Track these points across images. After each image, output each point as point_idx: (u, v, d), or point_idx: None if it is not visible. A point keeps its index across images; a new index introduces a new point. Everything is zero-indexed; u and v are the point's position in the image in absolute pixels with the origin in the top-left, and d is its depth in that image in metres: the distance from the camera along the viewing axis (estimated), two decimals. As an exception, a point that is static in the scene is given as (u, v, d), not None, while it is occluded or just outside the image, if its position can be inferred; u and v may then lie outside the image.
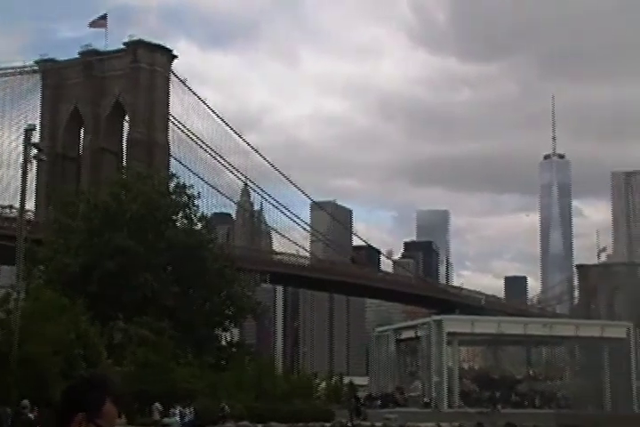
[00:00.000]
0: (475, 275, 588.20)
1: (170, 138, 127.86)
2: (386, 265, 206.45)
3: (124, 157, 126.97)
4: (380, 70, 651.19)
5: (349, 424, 52.91)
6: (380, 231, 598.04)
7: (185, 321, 59.18)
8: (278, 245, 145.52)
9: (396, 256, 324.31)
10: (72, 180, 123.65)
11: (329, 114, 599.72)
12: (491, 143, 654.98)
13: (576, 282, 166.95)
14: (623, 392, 75.64)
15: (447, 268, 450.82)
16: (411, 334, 78.71)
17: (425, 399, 69.53)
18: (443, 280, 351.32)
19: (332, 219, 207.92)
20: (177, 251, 62.47)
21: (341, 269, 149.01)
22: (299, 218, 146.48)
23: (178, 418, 44.08)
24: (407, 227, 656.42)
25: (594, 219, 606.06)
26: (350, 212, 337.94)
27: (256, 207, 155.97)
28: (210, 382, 51.83)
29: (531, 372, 79.51)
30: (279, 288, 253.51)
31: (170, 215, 66.28)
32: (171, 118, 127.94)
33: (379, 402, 69.92)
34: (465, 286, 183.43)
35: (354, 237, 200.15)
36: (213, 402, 48.52)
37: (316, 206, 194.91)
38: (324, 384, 78.82)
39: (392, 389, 76.54)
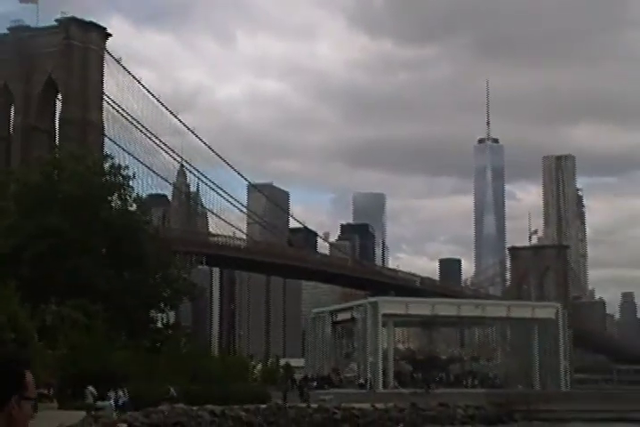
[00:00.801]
0: (410, 257, 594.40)
1: (104, 117, 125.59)
2: (322, 247, 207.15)
3: (57, 136, 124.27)
4: (317, 52, 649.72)
5: (285, 405, 53.15)
6: (317, 214, 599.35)
7: (120, 304, 58.51)
8: (215, 226, 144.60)
9: (333, 239, 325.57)
10: (2, 160, 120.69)
11: (266, 95, 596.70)
12: (427, 126, 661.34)
13: (508, 264, 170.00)
14: (551, 371, 77.70)
15: (383, 250, 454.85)
16: (346, 315, 79.32)
17: (360, 380, 70.27)
18: (379, 262, 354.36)
19: (269, 201, 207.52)
20: (112, 233, 61.60)
21: (278, 252, 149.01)
22: (235, 200, 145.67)
23: (112, 401, 43.70)
24: (344, 209, 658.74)
25: (526, 202, 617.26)
26: (287, 194, 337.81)
27: (192, 189, 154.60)
28: (144, 365, 51.47)
29: (464, 352, 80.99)
30: (215, 270, 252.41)
31: (104, 196, 65.26)
32: (105, 97, 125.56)
33: (315, 383, 70.41)
34: (400, 269, 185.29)
35: (291, 220, 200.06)
36: (151, 385, 48.20)
37: (253, 188, 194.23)
38: (260, 366, 79.02)
39: (328, 370, 77.15)
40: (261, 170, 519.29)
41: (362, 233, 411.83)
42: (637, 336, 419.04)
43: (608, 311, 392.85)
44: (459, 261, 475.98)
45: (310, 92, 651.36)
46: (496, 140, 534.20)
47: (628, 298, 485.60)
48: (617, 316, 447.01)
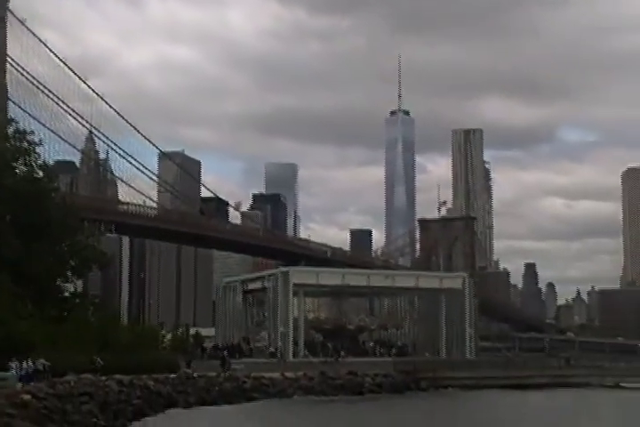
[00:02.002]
0: (322, 227, 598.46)
1: (7, 81, 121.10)
2: (234, 217, 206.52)
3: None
4: (229, 19, 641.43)
5: (192, 374, 52.93)
6: (229, 183, 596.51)
7: (26, 273, 56.96)
8: (124, 194, 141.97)
9: (245, 208, 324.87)
10: None
11: (177, 62, 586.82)
12: (339, 97, 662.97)
13: (418, 235, 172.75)
14: (457, 339, 79.74)
15: (295, 220, 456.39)
16: (258, 285, 79.43)
17: (271, 349, 70.63)
18: (290, 233, 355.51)
19: (181, 169, 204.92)
20: (17, 200, 59.70)
21: (189, 221, 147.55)
22: (146, 168, 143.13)
23: (14, 372, 42.67)
24: (256, 179, 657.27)
25: (436, 174, 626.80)
26: (199, 163, 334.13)
27: (102, 156, 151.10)
28: (51, 335, 50.42)
29: (373, 321, 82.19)
30: (125, 239, 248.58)
31: (9, 162, 63.08)
32: (8, 60, 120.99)
33: (225, 352, 70.43)
34: (312, 239, 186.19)
35: (202, 189, 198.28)
36: (60, 355, 47.25)
37: (165, 157, 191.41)
38: (169, 335, 78.50)
39: (238, 339, 77.23)
40: (173, 138, 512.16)
41: (273, 203, 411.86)
42: (538, 306, 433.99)
43: (512, 281, 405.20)
44: (369, 232, 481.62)
45: (222, 60, 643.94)
46: (407, 113, 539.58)
47: (530, 268, 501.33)
48: (520, 286, 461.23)
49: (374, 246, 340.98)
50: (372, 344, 78.67)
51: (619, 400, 61.20)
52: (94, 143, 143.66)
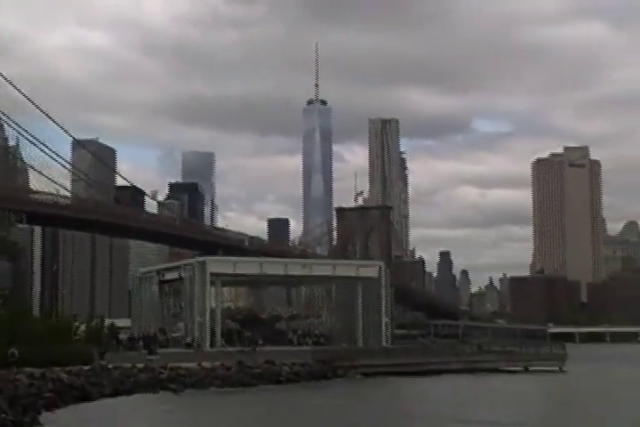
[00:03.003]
0: (239, 216, 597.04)
1: None
2: (150, 206, 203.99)
3: None
4: (145, 4, 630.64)
5: (107, 366, 52.13)
6: (145, 171, 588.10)
7: None
8: (36, 183, 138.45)
9: (161, 197, 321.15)
10: None
11: (91, 47, 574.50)
12: (256, 85, 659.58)
13: (335, 224, 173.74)
14: (374, 328, 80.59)
15: (212, 209, 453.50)
16: (174, 275, 78.56)
17: (187, 340, 70.05)
18: (208, 222, 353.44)
19: (95, 157, 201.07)
20: None
21: (104, 210, 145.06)
22: (58, 156, 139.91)
23: None
24: (172, 168, 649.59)
25: (353, 163, 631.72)
26: (114, 151, 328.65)
27: (11, 143, 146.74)
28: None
29: (290, 310, 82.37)
30: (37, 229, 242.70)
31: None
32: None
33: (141, 343, 69.53)
34: (229, 228, 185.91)
35: (117, 177, 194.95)
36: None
37: (78, 144, 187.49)
38: (84, 327, 77.00)
39: (155, 330, 76.33)
40: (87, 125, 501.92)
41: (191, 192, 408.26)
42: (453, 293, 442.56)
43: (427, 270, 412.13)
44: (287, 221, 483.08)
45: (137, 46, 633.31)
46: (324, 102, 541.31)
47: (444, 257, 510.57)
48: (435, 274, 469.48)
49: (292, 235, 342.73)
50: (293, 334, 78.77)
51: (518, 385, 62.97)
52: (3, 130, 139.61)
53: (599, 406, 45.21)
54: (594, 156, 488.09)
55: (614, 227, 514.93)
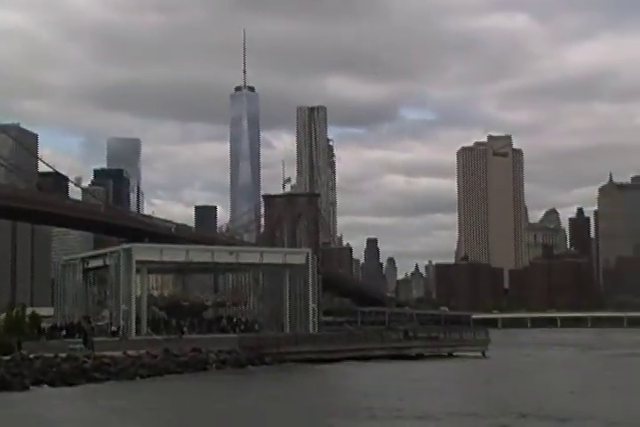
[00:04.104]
0: (166, 203, 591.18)
1: None
2: (74, 193, 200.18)
3: None
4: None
5: (27, 356, 51.03)
6: (69, 158, 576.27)
7: None
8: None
9: (86, 184, 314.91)
10: None
11: (10, 28, 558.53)
12: (183, 71, 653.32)
13: (262, 211, 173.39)
14: (301, 314, 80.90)
15: (138, 196, 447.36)
16: (99, 262, 77.40)
17: (112, 328, 69.16)
18: (134, 209, 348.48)
19: (16, 143, 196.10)
20: None
21: (26, 196, 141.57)
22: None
23: None
24: (97, 154, 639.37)
25: (281, 150, 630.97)
26: (36, 136, 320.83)
27: None
28: None
29: (217, 298, 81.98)
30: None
31: None
32: None
33: (64, 332, 68.32)
34: (156, 215, 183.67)
35: (40, 163, 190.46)
36: None
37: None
38: (3, 316, 75.19)
39: (79, 318, 75.10)
40: (7, 110, 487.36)
41: (116, 178, 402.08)
42: (379, 280, 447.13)
43: (354, 257, 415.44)
44: (214, 208, 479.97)
45: (59, 28, 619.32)
46: (252, 89, 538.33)
47: (372, 244, 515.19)
48: (362, 261, 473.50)
49: (219, 223, 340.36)
50: (220, 321, 78.41)
51: (437, 370, 64.11)
52: None
53: (515, 389, 46.40)
54: (517, 145, 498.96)
55: (535, 214, 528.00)
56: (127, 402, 39.30)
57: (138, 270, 72.06)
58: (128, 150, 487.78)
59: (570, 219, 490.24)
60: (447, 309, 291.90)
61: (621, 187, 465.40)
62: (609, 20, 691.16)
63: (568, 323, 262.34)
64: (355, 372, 59.88)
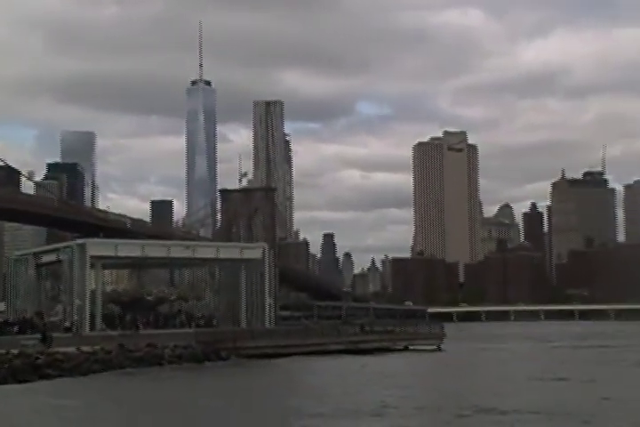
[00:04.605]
0: (121, 198, 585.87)
1: None
2: (27, 187, 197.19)
3: None
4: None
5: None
6: (21, 151, 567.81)
7: None
8: None
9: (39, 178, 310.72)
10: None
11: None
12: (139, 64, 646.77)
13: (219, 206, 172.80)
14: (257, 309, 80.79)
15: (93, 190, 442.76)
16: (52, 257, 76.40)
17: (66, 324, 68.32)
18: (88, 203, 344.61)
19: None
20: None
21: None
22: None
23: None
24: (50, 147, 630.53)
25: (237, 144, 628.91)
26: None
27: None
28: None
29: (173, 293, 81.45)
30: None
31: None
32: None
33: (16, 328, 67.29)
34: (111, 210, 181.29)
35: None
36: None
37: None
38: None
39: (31, 314, 74.05)
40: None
41: (70, 172, 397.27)
42: (336, 274, 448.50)
43: (311, 251, 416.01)
44: (170, 203, 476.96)
45: (13, 19, 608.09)
46: (209, 83, 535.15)
47: (328, 239, 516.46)
48: (319, 255, 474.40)
49: (175, 217, 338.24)
50: (176, 316, 77.91)
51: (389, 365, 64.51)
52: None
53: (469, 383, 46.87)
54: (472, 140, 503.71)
55: (490, 209, 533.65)
56: (71, 398, 38.80)
57: (92, 266, 71.26)
58: (82, 144, 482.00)
59: (524, 214, 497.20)
60: (411, 303, 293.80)
61: (573, 182, 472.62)
62: (563, 17, 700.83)
63: (522, 316, 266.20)
64: (311, 366, 59.98)
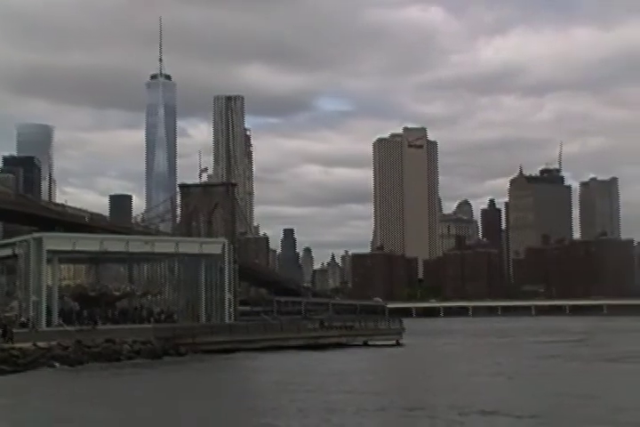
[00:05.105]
0: (80, 192, 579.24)
1: None
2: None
3: None
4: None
5: None
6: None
7: None
8: None
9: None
10: None
11: None
12: (98, 57, 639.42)
13: (179, 201, 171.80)
14: (217, 304, 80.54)
15: (50, 184, 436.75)
16: (8, 252, 75.26)
17: (22, 319, 67.41)
18: (45, 197, 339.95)
19: None
20: None
21: None
22: None
23: None
24: (7, 141, 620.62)
25: (197, 139, 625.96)
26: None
27: None
28: None
29: (132, 288, 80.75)
30: None
31: None
32: None
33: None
34: (69, 204, 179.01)
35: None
36: None
37: None
38: None
39: (-14, 310, 72.98)
40: None
41: (27, 166, 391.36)
42: (296, 270, 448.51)
43: (271, 247, 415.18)
44: (129, 198, 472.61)
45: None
46: (169, 77, 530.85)
47: (288, 234, 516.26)
48: (279, 251, 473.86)
49: (135, 212, 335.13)
50: (134, 312, 77.27)
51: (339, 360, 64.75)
52: None
53: (427, 378, 47.24)
54: (431, 137, 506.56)
55: (449, 206, 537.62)
56: (19, 395, 38.29)
57: (49, 260, 70.39)
58: (39, 137, 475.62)
59: (482, 210, 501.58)
60: (380, 299, 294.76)
61: (530, 179, 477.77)
62: (523, 17, 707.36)
63: (479, 312, 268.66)
64: (269, 362, 59.86)
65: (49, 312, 68.77)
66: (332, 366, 55.39)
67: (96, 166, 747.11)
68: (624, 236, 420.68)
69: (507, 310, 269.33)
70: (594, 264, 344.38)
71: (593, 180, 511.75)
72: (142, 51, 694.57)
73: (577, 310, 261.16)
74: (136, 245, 76.80)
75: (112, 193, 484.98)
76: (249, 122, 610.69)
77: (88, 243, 74.38)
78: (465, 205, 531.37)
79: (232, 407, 33.65)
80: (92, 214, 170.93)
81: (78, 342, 57.34)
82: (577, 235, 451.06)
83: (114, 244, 75.92)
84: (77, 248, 71.97)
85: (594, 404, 33.29)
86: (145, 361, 56.61)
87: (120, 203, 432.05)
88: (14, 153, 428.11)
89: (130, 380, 46.86)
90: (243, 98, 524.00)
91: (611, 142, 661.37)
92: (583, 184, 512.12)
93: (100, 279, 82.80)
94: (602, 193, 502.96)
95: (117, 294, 79.25)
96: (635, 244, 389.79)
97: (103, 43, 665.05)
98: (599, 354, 64.89)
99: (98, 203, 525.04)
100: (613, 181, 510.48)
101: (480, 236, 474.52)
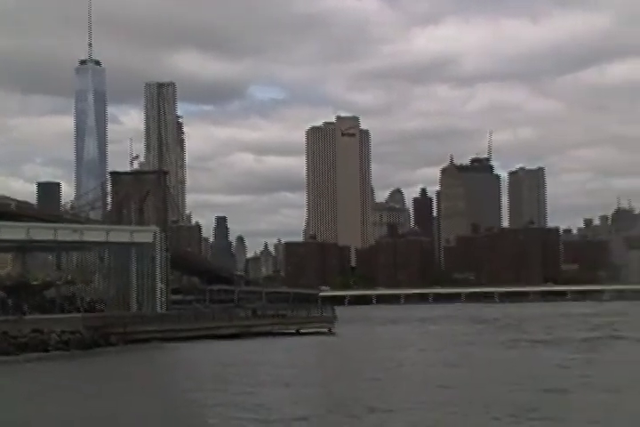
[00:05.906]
0: (5, 179, 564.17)
1: None
2: None
3: None
4: None
5: None
6: None
7: None
8: None
9: None
10: None
11: None
12: (23, 41, 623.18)
13: (109, 188, 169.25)
14: (148, 293, 79.72)
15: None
16: None
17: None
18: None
19: None
20: None
21: None
22: None
23: None
24: None
25: (128, 126, 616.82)
26: None
27: None
28: None
29: (60, 277, 79.28)
30: None
31: None
32: None
33: None
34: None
35: None
36: None
37: None
38: None
39: None
40: None
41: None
42: (229, 258, 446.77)
43: (203, 235, 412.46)
44: (58, 185, 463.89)
45: None
46: (98, 63, 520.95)
47: (221, 222, 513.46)
48: (211, 239, 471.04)
49: (64, 200, 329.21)
50: (63, 301, 75.83)
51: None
52: None
53: (359, 367, 47.53)
54: (364, 126, 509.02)
55: (381, 194, 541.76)
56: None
57: (-26, 249, 68.61)
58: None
59: (414, 199, 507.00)
60: (329, 288, 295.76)
61: (461, 168, 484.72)
62: (455, 7, 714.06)
63: (411, 299, 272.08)
64: (198, 352, 59.41)
65: (-27, 302, 67.06)
66: (262, 356, 55.20)
67: (22, 153, 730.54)
68: (550, 224, 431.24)
69: (438, 298, 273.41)
70: (522, 252, 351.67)
71: (521, 169, 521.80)
72: (71, 35, 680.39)
73: (505, 297, 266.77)
74: (64, 233, 75.34)
75: (40, 180, 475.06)
76: (181, 109, 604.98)
77: (14, 231, 72.69)
78: (397, 194, 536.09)
79: (150, 406, 32.86)
80: (19, 202, 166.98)
81: (4, 332, 56.05)
82: (505, 223, 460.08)
83: (41, 232, 74.34)
84: (2, 237, 70.34)
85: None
86: (74, 352, 55.61)
87: (48, 190, 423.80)
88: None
89: (44, 373, 45.76)
90: (175, 85, 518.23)
91: (539, 132, 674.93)
92: (512, 173, 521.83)
93: (27, 268, 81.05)
94: (529, 182, 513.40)
95: (45, 282, 77.72)
96: (561, 232, 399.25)
97: (29, 26, 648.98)
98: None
99: (24, 191, 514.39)
100: (540, 170, 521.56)
101: (412, 224, 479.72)
